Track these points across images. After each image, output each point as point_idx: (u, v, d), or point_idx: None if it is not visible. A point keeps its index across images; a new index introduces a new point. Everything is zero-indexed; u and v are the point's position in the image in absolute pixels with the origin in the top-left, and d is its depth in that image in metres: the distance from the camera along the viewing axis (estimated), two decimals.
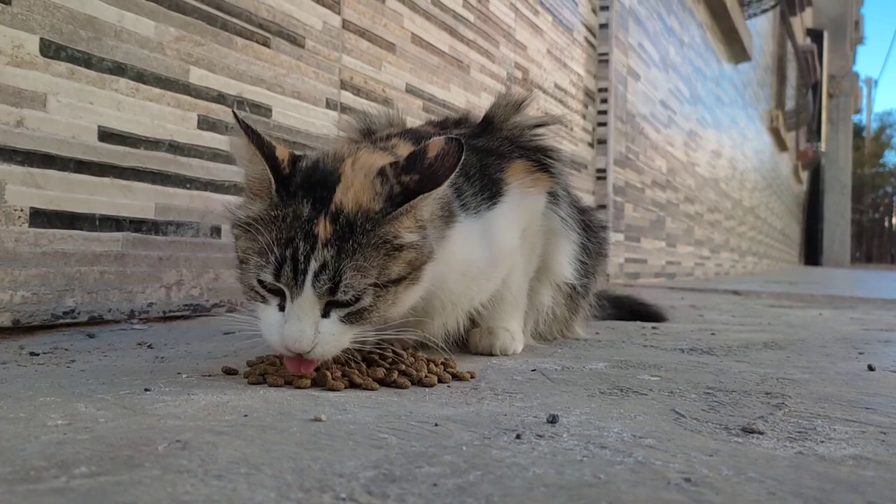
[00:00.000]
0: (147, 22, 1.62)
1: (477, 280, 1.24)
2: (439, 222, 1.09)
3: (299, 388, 1.00)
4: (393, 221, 0.99)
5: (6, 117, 1.35)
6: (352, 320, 0.99)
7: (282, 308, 0.98)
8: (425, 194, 1.00)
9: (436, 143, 1.01)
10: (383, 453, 0.70)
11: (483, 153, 1.31)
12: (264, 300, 1.00)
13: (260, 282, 0.98)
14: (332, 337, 0.98)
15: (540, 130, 1.43)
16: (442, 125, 1.49)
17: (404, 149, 1.17)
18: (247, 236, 1.00)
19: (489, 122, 1.41)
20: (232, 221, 1.06)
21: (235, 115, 1.00)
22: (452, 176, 1.01)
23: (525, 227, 1.36)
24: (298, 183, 1.00)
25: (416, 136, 1.28)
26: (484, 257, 1.23)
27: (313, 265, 0.94)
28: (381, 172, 1.02)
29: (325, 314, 0.98)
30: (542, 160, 1.38)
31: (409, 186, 1.00)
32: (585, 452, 0.72)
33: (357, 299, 0.98)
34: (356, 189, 0.99)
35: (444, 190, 1.04)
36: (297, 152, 1.07)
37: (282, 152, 1.02)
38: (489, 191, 1.26)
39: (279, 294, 0.98)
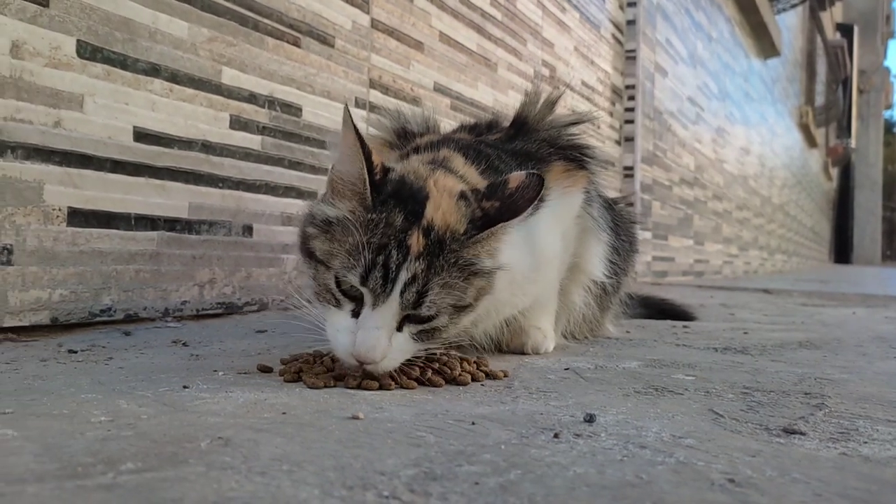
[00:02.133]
0: (180, 23, 1.63)
1: (522, 286, 1.23)
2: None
3: (346, 386, 1.01)
4: (475, 245, 1.00)
5: (44, 118, 1.37)
6: (423, 337, 1.00)
7: (355, 314, 0.97)
8: (505, 222, 1.00)
9: (517, 177, 1.03)
10: (423, 451, 0.70)
11: (523, 157, 1.32)
12: (338, 304, 0.98)
13: (338, 284, 0.97)
14: (400, 353, 0.99)
15: (575, 129, 1.43)
16: (474, 129, 1.48)
17: (459, 162, 1.18)
18: (326, 236, 0.99)
19: (523, 123, 1.40)
20: (307, 219, 1.04)
21: (347, 110, 0.98)
22: (530, 209, 1.02)
23: (564, 228, 1.36)
24: (389, 192, 0.99)
25: (461, 146, 1.26)
26: (528, 263, 1.22)
27: (403, 275, 0.94)
28: (463, 196, 1.02)
29: (399, 327, 0.98)
30: (578, 159, 1.39)
31: (490, 213, 1.01)
32: (625, 452, 0.72)
33: (434, 317, 0.98)
34: (444, 208, 0.99)
35: (521, 220, 1.03)
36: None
37: (377, 158, 1.01)
38: None
39: (355, 300, 0.97)
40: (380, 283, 0.93)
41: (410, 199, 0.99)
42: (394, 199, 0.98)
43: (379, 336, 0.94)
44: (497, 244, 1.03)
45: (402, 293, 0.94)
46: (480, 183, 1.12)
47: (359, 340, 0.95)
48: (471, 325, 1.14)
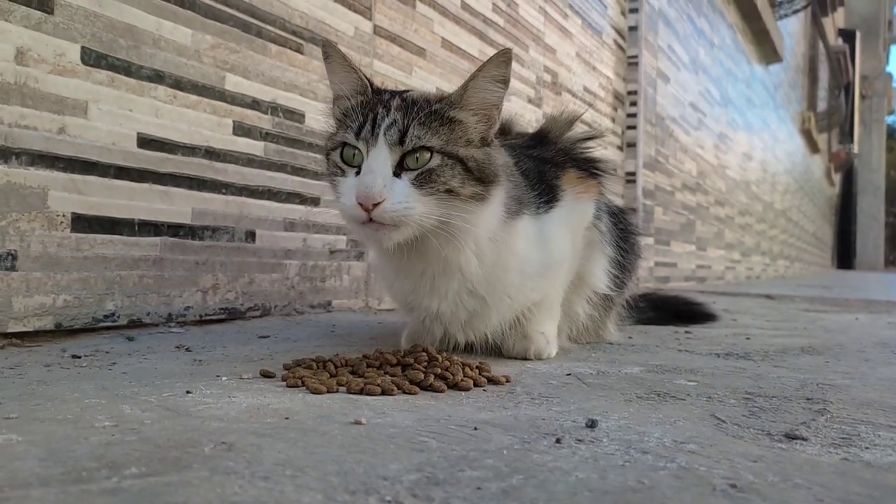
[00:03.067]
0: (184, 30, 1.64)
1: (532, 278, 1.32)
2: (507, 180, 1.24)
3: (349, 391, 1.01)
4: (445, 99, 1.19)
5: (49, 125, 1.38)
6: (420, 182, 1.12)
7: (358, 173, 1.13)
8: (473, 79, 1.18)
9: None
10: (425, 456, 0.70)
11: (541, 161, 1.41)
12: (343, 173, 1.16)
13: (342, 155, 1.16)
14: (402, 195, 1.11)
15: (589, 143, 1.52)
16: None
17: None
18: (338, 128, 1.19)
19: (545, 136, 1.50)
20: (327, 144, 1.22)
21: (328, 42, 1.22)
22: (504, 70, 1.17)
23: (575, 235, 1.42)
24: (379, 89, 1.23)
25: None
26: (539, 258, 1.32)
27: (385, 122, 1.12)
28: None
29: (397, 174, 1.12)
30: (591, 170, 1.48)
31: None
32: (627, 457, 0.72)
33: (425, 159, 1.13)
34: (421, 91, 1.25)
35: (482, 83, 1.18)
36: None
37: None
38: (547, 195, 1.35)
39: (357, 167, 1.14)
40: (369, 131, 1.12)
41: (398, 92, 1.22)
42: (386, 92, 1.22)
43: (374, 177, 1.09)
44: (472, 100, 1.19)
45: (385, 133, 1.11)
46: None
47: (359, 185, 1.10)
48: (486, 288, 1.27)
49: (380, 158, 1.11)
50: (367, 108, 1.17)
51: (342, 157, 1.16)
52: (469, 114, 1.20)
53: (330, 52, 1.22)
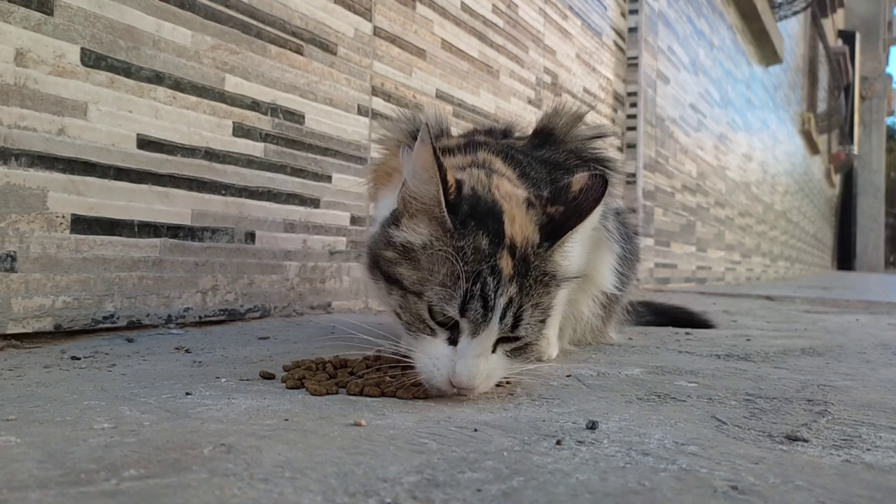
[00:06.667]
0: (184, 31, 1.64)
1: None
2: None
3: (348, 393, 1.01)
4: (551, 257, 1.00)
5: (48, 126, 1.38)
6: (513, 354, 1.00)
7: (451, 342, 0.95)
8: (573, 228, 0.99)
9: (580, 179, 1.03)
10: (425, 458, 0.70)
11: (552, 165, 1.33)
12: (432, 332, 0.96)
13: (432, 313, 0.95)
14: (496, 373, 0.98)
15: (598, 143, 1.45)
16: (491, 134, 1.49)
17: (499, 165, 1.19)
18: (411, 263, 0.97)
19: (549, 133, 1.41)
20: (383, 242, 1.02)
21: (427, 128, 0.93)
22: (598, 210, 1.01)
23: (581, 237, 1.36)
24: (466, 212, 0.97)
25: (495, 150, 1.26)
26: None
27: (501, 302, 0.93)
28: (530, 203, 1.02)
29: (493, 349, 0.97)
30: (601, 171, 1.40)
31: (556, 217, 1.01)
32: (628, 459, 0.72)
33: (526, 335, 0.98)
34: (520, 222, 0.99)
35: (590, 223, 1.03)
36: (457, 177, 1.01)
37: (450, 176, 0.96)
38: None
39: (450, 328, 0.95)
40: (480, 312, 0.92)
41: (489, 217, 0.97)
42: (472, 218, 0.96)
43: (479, 363, 0.93)
44: (567, 249, 1.03)
45: (501, 319, 0.93)
46: (520, 187, 1.12)
47: (460, 369, 0.92)
48: None
49: (486, 344, 0.94)
50: (467, 263, 0.93)
51: (432, 315, 0.95)
52: (563, 255, 1.03)
53: (425, 138, 0.93)
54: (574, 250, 1.09)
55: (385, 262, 1.01)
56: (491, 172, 1.12)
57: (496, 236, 0.95)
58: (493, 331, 0.93)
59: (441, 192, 0.94)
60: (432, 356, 0.95)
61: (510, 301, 0.93)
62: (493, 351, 0.96)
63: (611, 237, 1.47)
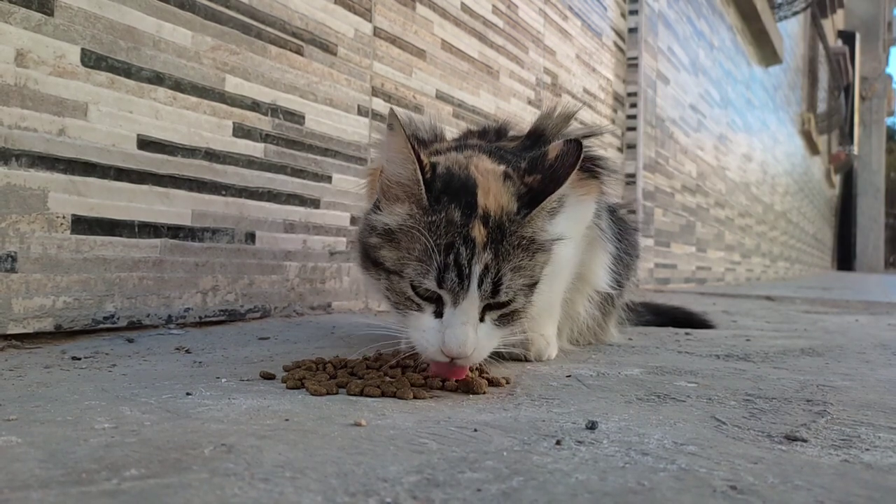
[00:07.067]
0: (184, 32, 1.64)
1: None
2: None
3: (349, 393, 1.01)
4: (530, 222, 1.03)
5: (49, 126, 1.38)
6: (504, 322, 1.03)
7: (437, 314, 0.99)
8: (551, 194, 1.03)
9: (555, 146, 1.06)
10: (425, 458, 0.70)
11: None
12: (419, 308, 1.01)
13: (415, 290, 0.99)
14: (486, 340, 1.02)
15: (588, 141, 1.43)
16: (484, 135, 1.49)
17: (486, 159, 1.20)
18: (392, 245, 1.01)
19: (541, 134, 1.42)
20: (367, 230, 1.06)
21: (394, 114, 0.99)
22: (573, 174, 1.04)
23: (576, 237, 1.38)
24: (440, 188, 1.01)
25: (484, 150, 1.25)
26: None
27: (476, 269, 0.97)
28: (506, 175, 1.05)
29: (481, 318, 1.01)
30: (592, 169, 1.42)
31: (533, 186, 1.04)
32: (627, 459, 0.72)
33: (512, 300, 1.02)
34: (494, 192, 1.02)
35: (565, 189, 1.06)
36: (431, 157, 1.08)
37: (425, 157, 1.02)
38: None
39: (434, 301, 1.00)
40: (456, 282, 0.96)
41: (462, 190, 1.01)
42: (446, 194, 1.01)
43: (466, 331, 0.97)
44: (550, 215, 1.07)
45: (479, 286, 0.97)
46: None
47: (448, 338, 0.97)
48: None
49: (470, 311, 0.97)
50: (440, 235, 0.97)
51: (416, 291, 0.99)
52: (545, 220, 1.07)
53: (394, 124, 0.99)
54: (559, 220, 1.15)
55: (371, 248, 1.05)
56: (471, 156, 1.14)
57: (468, 208, 0.99)
58: (473, 298, 0.97)
59: (418, 170, 0.99)
60: (421, 330, 1.00)
61: (486, 268, 0.97)
62: (483, 320, 1.01)
63: (604, 236, 1.48)
